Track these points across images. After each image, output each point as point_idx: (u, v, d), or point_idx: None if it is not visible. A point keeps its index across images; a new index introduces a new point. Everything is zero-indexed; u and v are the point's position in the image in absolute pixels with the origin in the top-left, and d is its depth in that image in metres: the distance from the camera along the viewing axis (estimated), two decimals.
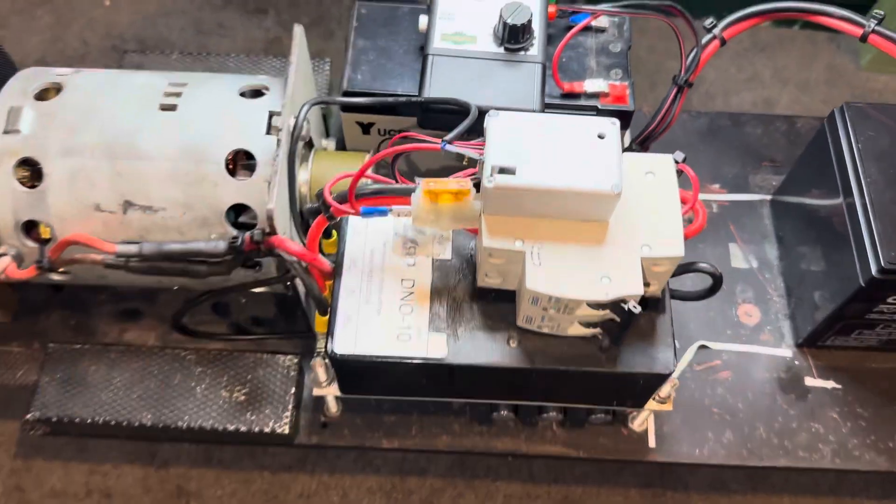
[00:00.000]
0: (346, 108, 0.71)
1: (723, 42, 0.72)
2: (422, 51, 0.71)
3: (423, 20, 0.72)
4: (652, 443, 0.73)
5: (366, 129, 0.74)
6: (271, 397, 0.70)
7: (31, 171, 0.64)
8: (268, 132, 0.64)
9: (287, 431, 0.69)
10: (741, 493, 0.87)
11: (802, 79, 1.19)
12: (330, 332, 0.58)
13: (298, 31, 0.67)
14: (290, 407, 0.70)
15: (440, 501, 0.86)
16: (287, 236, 0.62)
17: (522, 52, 0.70)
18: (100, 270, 0.63)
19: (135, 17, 1.22)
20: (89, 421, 0.69)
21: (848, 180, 0.70)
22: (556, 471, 0.88)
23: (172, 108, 0.64)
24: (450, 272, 0.60)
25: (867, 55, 1.18)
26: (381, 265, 0.60)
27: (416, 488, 0.86)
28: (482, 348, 0.58)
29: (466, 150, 0.54)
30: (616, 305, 0.53)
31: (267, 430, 0.69)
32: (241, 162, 0.65)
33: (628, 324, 0.55)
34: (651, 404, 0.65)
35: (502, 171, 0.51)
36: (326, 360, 0.62)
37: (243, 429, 0.69)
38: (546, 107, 0.69)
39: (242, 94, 0.67)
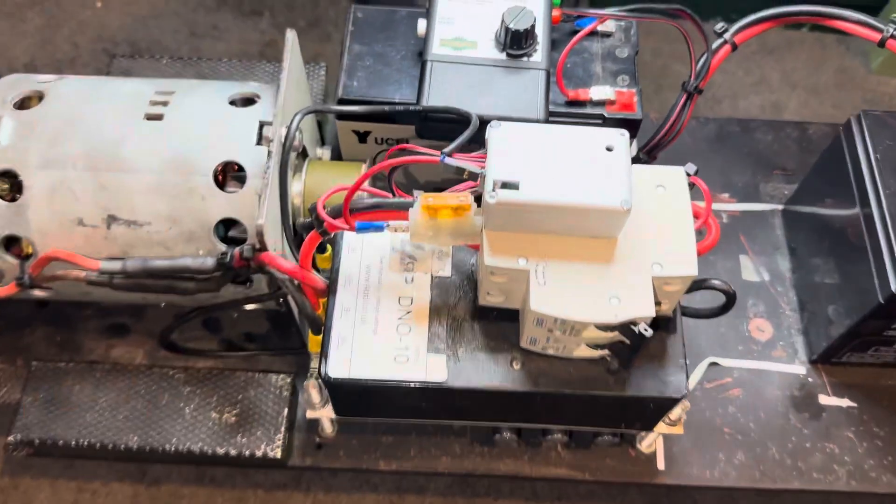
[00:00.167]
0: (342, 116, 0.69)
1: (734, 47, 0.69)
2: (420, 57, 0.68)
3: (421, 25, 0.69)
4: (661, 464, 0.70)
5: (362, 137, 0.71)
6: (263, 419, 0.67)
7: (10, 184, 0.61)
8: (258, 143, 0.61)
9: (279, 455, 0.66)
10: None
11: (812, 83, 1.16)
12: (324, 354, 0.55)
13: (291, 36, 0.64)
14: (282, 429, 0.67)
15: None
16: (279, 252, 0.59)
17: (525, 59, 0.67)
18: (83, 287, 0.60)
19: (126, 19, 1.19)
20: (73, 443, 0.67)
21: (865, 190, 0.67)
22: (560, 489, 0.85)
23: (159, 117, 0.62)
24: (450, 290, 0.58)
25: (878, 58, 1.16)
26: (378, 282, 0.58)
27: None
28: (484, 371, 0.55)
29: (467, 163, 0.52)
30: (625, 327, 0.51)
31: (258, 453, 0.66)
32: (230, 174, 0.62)
33: (638, 346, 0.52)
34: (661, 427, 0.62)
35: (505, 185, 0.49)
36: (320, 382, 0.59)
37: (233, 452, 0.66)
38: (550, 115, 0.66)
39: (233, 103, 0.64)
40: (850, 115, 0.72)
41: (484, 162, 0.51)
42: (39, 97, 0.64)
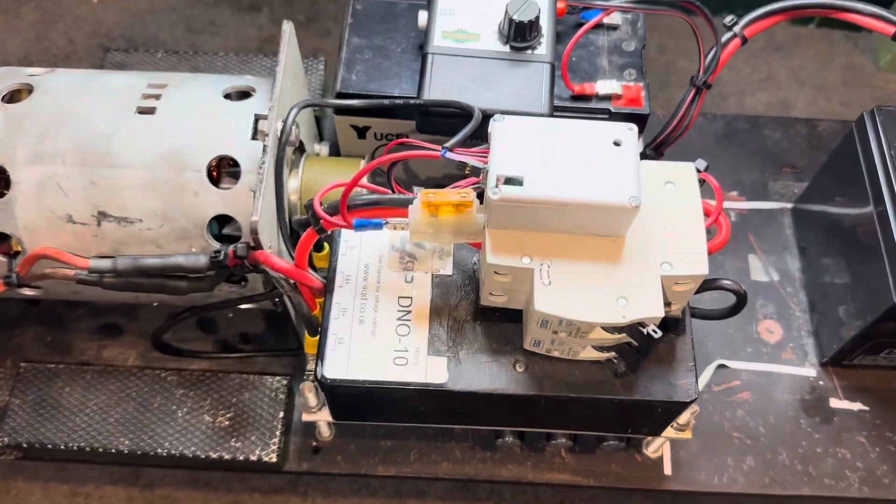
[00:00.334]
0: (340, 110, 0.67)
1: (744, 41, 0.67)
2: (421, 49, 0.66)
3: (422, 16, 0.67)
4: (668, 470, 0.69)
5: (361, 132, 0.69)
6: (258, 422, 0.66)
7: None
8: (254, 137, 0.59)
9: (274, 460, 0.64)
10: None
11: (819, 79, 1.14)
12: (320, 356, 0.53)
13: (287, 28, 0.62)
14: (277, 433, 0.65)
15: None
16: (274, 250, 0.57)
17: (529, 51, 0.65)
18: (73, 286, 0.58)
19: (123, 14, 1.18)
20: (63, 447, 0.65)
21: (879, 188, 0.66)
22: (563, 493, 0.83)
23: (151, 111, 0.60)
24: (451, 289, 0.56)
25: (887, 55, 1.14)
26: (377, 282, 0.56)
27: None
28: (486, 373, 0.53)
29: (469, 158, 0.50)
30: (633, 329, 0.49)
31: (253, 458, 0.64)
32: (225, 169, 0.60)
33: (647, 348, 0.50)
34: (668, 432, 0.60)
35: (508, 181, 0.47)
36: (316, 384, 0.57)
37: (227, 457, 0.64)
38: (555, 109, 0.64)
39: (227, 96, 0.62)
40: (858, 112, 0.70)
41: (486, 157, 0.49)
42: (29, 90, 0.62)
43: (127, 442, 0.65)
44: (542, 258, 0.49)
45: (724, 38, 0.67)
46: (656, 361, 0.54)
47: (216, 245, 0.59)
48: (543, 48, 0.65)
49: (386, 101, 0.64)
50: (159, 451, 0.65)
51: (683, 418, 0.59)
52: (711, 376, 0.73)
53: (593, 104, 0.66)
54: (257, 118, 0.60)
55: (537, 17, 0.63)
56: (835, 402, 0.73)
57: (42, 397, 0.67)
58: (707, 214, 0.53)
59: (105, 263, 0.56)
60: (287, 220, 0.60)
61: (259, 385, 0.68)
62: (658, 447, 0.68)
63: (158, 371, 0.68)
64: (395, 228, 0.52)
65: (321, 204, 0.52)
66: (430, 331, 0.54)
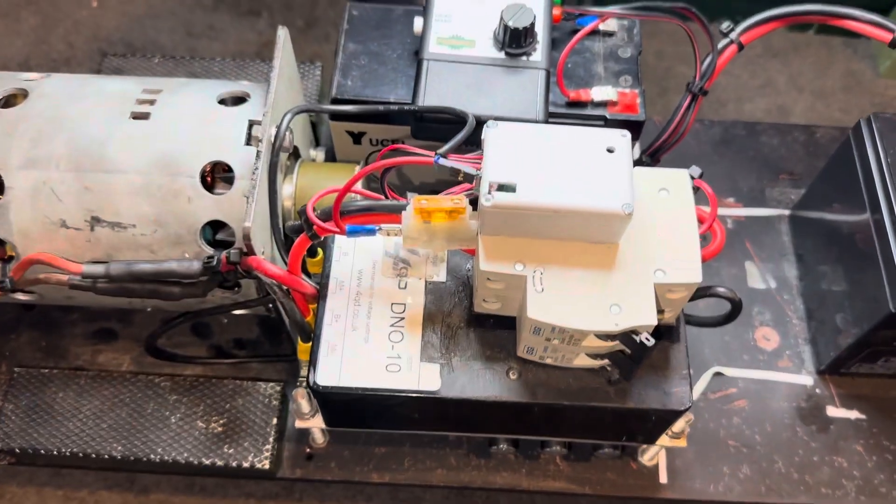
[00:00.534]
0: (335, 116, 0.67)
1: (740, 47, 0.67)
2: (416, 55, 0.66)
3: (418, 22, 0.67)
4: (663, 478, 0.68)
5: (356, 138, 0.69)
6: (251, 428, 0.65)
7: None
8: (248, 143, 0.59)
9: (267, 466, 0.64)
10: None
11: (818, 86, 1.14)
12: (312, 362, 0.53)
13: (282, 33, 0.62)
14: (271, 439, 0.65)
15: None
16: (267, 256, 0.57)
17: (525, 58, 0.65)
18: (66, 291, 0.58)
19: (122, 18, 1.18)
20: (56, 452, 0.65)
21: (876, 195, 0.65)
22: (558, 501, 0.82)
23: (145, 116, 0.60)
24: (444, 296, 0.56)
25: (886, 62, 1.13)
26: (370, 288, 0.56)
27: None
28: (479, 380, 0.53)
29: (462, 164, 0.50)
30: (627, 336, 0.48)
31: (246, 464, 0.64)
32: (219, 175, 0.60)
33: (640, 356, 0.50)
34: (663, 440, 0.60)
35: (501, 187, 0.47)
36: (309, 391, 0.57)
37: (220, 463, 0.64)
38: (550, 116, 0.64)
39: (222, 102, 0.62)
40: (857, 118, 0.70)
41: (480, 163, 0.49)
42: (24, 95, 0.62)
43: (120, 448, 0.65)
44: (535, 265, 0.49)
45: (720, 45, 0.67)
46: (650, 369, 0.54)
47: (209, 251, 0.59)
48: (538, 55, 0.65)
49: (381, 107, 0.63)
50: (152, 456, 0.64)
51: (678, 426, 0.59)
52: (707, 384, 0.73)
53: (589, 111, 0.66)
54: (251, 124, 0.60)
55: (532, 24, 0.63)
56: (832, 411, 0.72)
57: (35, 402, 0.67)
58: (701, 221, 0.52)
59: (98, 269, 0.56)
60: (281, 225, 0.60)
61: (252, 391, 0.67)
62: (653, 455, 0.68)
63: (152, 376, 0.68)
64: (388, 234, 0.52)
65: (314, 210, 0.51)
66: (423, 337, 0.54)
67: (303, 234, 0.53)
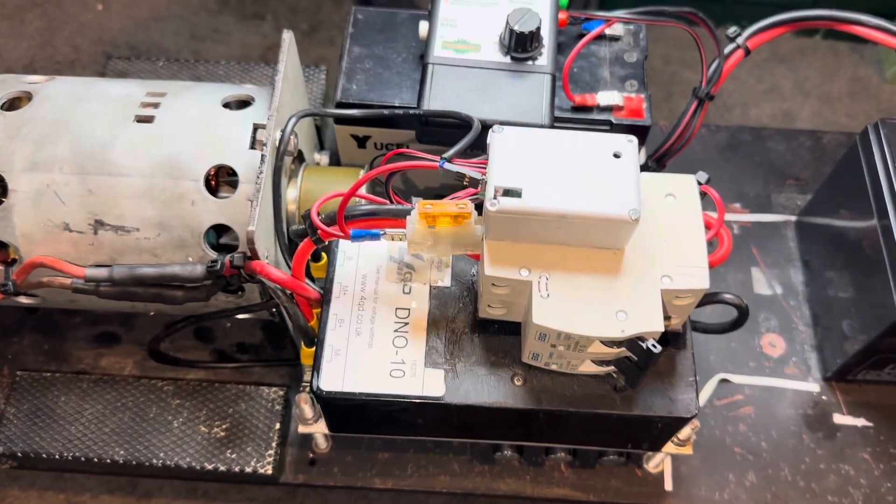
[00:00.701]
0: (340, 120, 0.66)
1: (747, 52, 0.67)
2: (422, 59, 0.66)
3: (423, 27, 0.67)
4: (669, 485, 0.68)
5: (361, 142, 0.69)
6: (254, 433, 0.65)
7: None
8: (252, 146, 0.59)
9: (270, 472, 0.64)
10: None
11: (824, 91, 1.13)
12: (316, 367, 0.53)
13: (287, 36, 0.62)
14: (273, 444, 0.65)
15: None
16: (271, 260, 0.57)
17: (530, 62, 0.64)
18: (69, 294, 0.58)
19: (127, 21, 1.18)
20: (58, 456, 0.64)
21: (883, 201, 0.65)
22: None
23: (149, 119, 0.59)
24: (449, 301, 0.55)
25: (893, 67, 1.13)
26: (374, 292, 0.55)
27: None
28: (484, 386, 0.53)
29: (467, 168, 0.49)
30: (633, 343, 0.48)
31: (248, 469, 0.64)
32: (223, 179, 0.60)
33: (646, 363, 0.49)
34: (669, 447, 0.60)
35: (507, 192, 0.46)
36: (312, 396, 0.57)
37: (223, 468, 0.64)
38: (556, 121, 0.64)
39: (226, 105, 0.62)
40: (863, 124, 0.69)
41: (485, 168, 0.49)
42: (29, 98, 0.62)
43: (122, 452, 0.64)
44: (540, 270, 0.48)
45: (727, 50, 0.66)
46: (656, 376, 0.53)
47: (213, 254, 0.58)
48: (544, 59, 0.64)
49: (385, 111, 0.63)
50: (154, 461, 0.64)
51: (684, 433, 0.58)
52: (713, 391, 0.72)
53: (594, 115, 0.66)
54: (256, 127, 0.59)
55: (538, 28, 0.63)
56: (838, 418, 0.72)
57: (38, 406, 0.66)
58: (708, 227, 0.52)
59: (101, 272, 0.55)
60: (285, 229, 0.60)
61: (255, 396, 0.67)
62: (659, 462, 0.67)
63: (155, 380, 0.68)
64: (392, 239, 0.51)
65: (319, 214, 0.51)
66: (427, 343, 0.54)
67: (307, 239, 0.53)
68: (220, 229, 0.60)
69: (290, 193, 0.63)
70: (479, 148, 0.52)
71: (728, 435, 0.70)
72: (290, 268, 0.55)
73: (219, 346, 0.72)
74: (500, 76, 0.64)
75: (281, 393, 0.67)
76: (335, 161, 0.73)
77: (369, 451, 0.68)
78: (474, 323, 0.55)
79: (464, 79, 0.64)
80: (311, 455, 0.68)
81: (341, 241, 0.57)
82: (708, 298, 0.54)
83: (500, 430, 0.58)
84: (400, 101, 0.65)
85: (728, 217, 0.81)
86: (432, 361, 0.53)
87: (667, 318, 0.51)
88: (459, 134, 0.56)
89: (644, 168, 0.69)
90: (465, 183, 0.50)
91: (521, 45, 0.64)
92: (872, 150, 0.67)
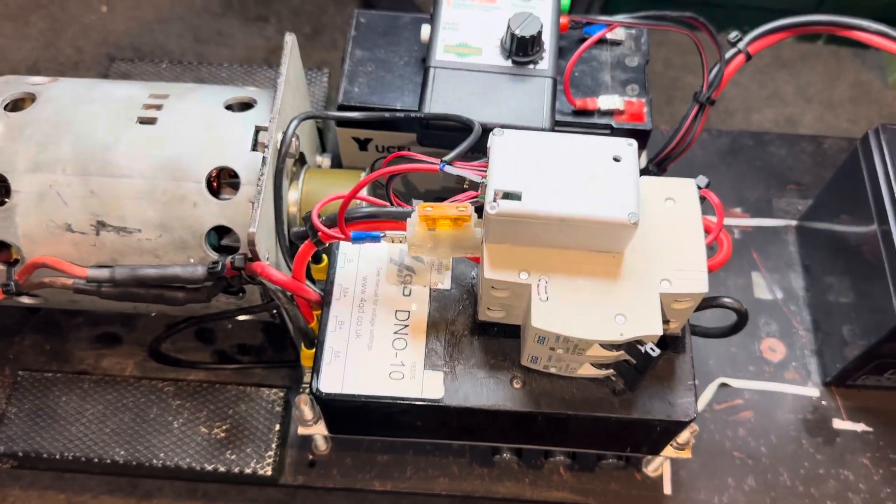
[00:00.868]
0: (341, 122, 0.67)
1: (748, 57, 0.67)
2: (423, 63, 0.66)
3: (425, 30, 0.67)
4: (668, 489, 0.68)
5: (363, 145, 0.69)
6: (253, 434, 0.65)
7: None
8: (254, 148, 0.59)
9: (269, 473, 0.64)
10: None
11: (827, 96, 1.13)
12: (315, 368, 0.53)
13: (290, 39, 0.62)
14: (273, 445, 0.65)
15: None
16: (272, 262, 0.57)
17: (531, 66, 0.65)
18: (71, 295, 0.58)
19: (131, 23, 1.18)
20: (58, 456, 0.65)
21: (883, 206, 0.65)
22: None
23: (152, 121, 0.60)
24: (449, 303, 0.55)
25: (894, 73, 1.13)
26: (374, 295, 0.56)
27: None
28: (483, 389, 0.53)
29: (467, 171, 0.49)
30: (631, 346, 0.48)
31: (248, 470, 0.64)
32: (224, 180, 0.60)
33: (645, 366, 0.49)
34: (668, 451, 0.60)
35: (507, 196, 0.47)
36: (312, 397, 0.57)
37: (222, 469, 0.64)
38: (556, 124, 0.64)
39: (229, 107, 0.62)
40: (865, 130, 0.69)
41: (485, 171, 0.49)
42: (32, 99, 0.63)
43: (122, 452, 0.65)
44: (539, 274, 0.49)
45: (728, 55, 0.67)
46: (655, 380, 0.53)
47: (214, 256, 0.59)
48: (545, 63, 0.65)
49: (387, 114, 0.63)
50: (154, 462, 0.64)
51: (683, 437, 0.58)
52: (713, 395, 0.72)
53: (595, 119, 0.66)
54: (258, 129, 0.60)
55: (539, 32, 0.63)
56: (838, 423, 0.72)
57: (39, 406, 0.67)
58: (707, 231, 0.52)
59: (103, 273, 0.56)
60: (286, 231, 0.60)
61: (255, 397, 0.67)
62: (658, 466, 0.67)
63: (155, 381, 0.68)
64: (392, 241, 0.51)
65: (319, 216, 0.51)
66: (427, 345, 0.54)
67: (307, 241, 0.53)
68: (221, 231, 0.60)
69: (292, 195, 0.63)
70: (479, 151, 0.52)
71: (727, 439, 0.70)
72: (290, 270, 0.55)
73: (220, 347, 0.72)
74: (502, 80, 0.64)
75: (281, 394, 0.67)
76: (337, 164, 0.73)
77: (369, 453, 0.68)
78: (474, 326, 0.55)
79: (465, 82, 0.64)
80: (310, 457, 0.68)
81: (342, 243, 0.57)
82: (707, 302, 0.54)
83: (499, 432, 0.58)
84: (401, 104, 0.66)
85: (729, 222, 0.81)
86: (432, 364, 0.53)
87: (666, 321, 0.51)
88: (460, 137, 0.56)
89: (645, 172, 0.69)
90: (465, 186, 0.50)
91: (522, 49, 0.64)
92: (873, 156, 0.67)
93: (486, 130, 0.52)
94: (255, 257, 0.54)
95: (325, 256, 0.60)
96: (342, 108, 0.66)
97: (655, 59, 1.11)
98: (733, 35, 0.67)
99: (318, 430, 0.60)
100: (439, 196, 0.52)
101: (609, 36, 0.69)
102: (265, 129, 0.58)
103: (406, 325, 0.54)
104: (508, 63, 0.65)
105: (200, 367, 0.70)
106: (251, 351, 0.72)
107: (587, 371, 0.52)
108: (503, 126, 0.50)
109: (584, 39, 0.68)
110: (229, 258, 0.54)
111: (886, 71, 1.15)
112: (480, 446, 0.67)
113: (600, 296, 0.48)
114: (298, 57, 0.65)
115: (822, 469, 0.70)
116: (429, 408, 0.52)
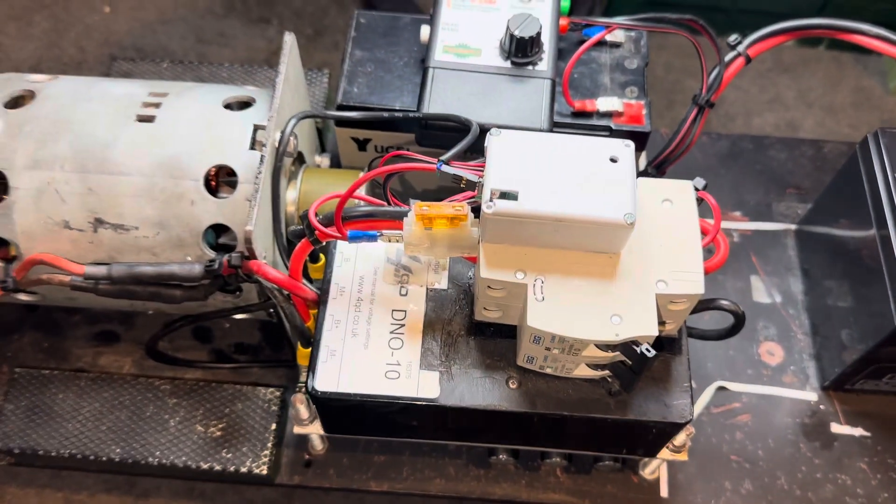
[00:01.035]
0: (340, 122, 0.67)
1: (748, 60, 0.67)
2: (423, 63, 0.66)
3: (424, 31, 0.67)
4: (664, 492, 0.68)
5: (362, 145, 0.69)
6: (249, 434, 0.65)
7: None
8: (252, 147, 0.59)
9: (265, 472, 0.64)
10: None
11: (828, 101, 1.13)
12: (311, 367, 0.53)
13: (289, 39, 0.62)
14: (269, 445, 0.65)
15: None
16: (269, 260, 0.57)
17: (530, 67, 0.65)
18: (68, 292, 0.58)
19: (134, 24, 1.19)
20: (54, 453, 0.65)
21: (882, 211, 0.65)
22: None
23: (150, 119, 0.60)
24: (445, 303, 0.55)
25: None
26: (371, 294, 0.56)
27: None
28: (478, 389, 0.53)
29: (465, 171, 0.49)
30: (627, 347, 0.48)
31: (243, 469, 0.64)
32: (222, 179, 0.60)
33: (641, 367, 0.49)
34: (664, 453, 0.59)
35: (503, 195, 0.47)
36: (307, 396, 0.57)
37: (218, 467, 0.64)
38: (555, 126, 0.64)
39: (228, 106, 0.62)
40: (866, 135, 0.69)
41: (482, 171, 0.49)
42: (31, 97, 0.63)
43: (118, 450, 0.65)
44: (536, 274, 0.49)
45: (727, 58, 0.67)
46: (651, 381, 0.53)
47: (211, 254, 0.59)
48: (544, 64, 0.65)
49: (385, 114, 0.63)
50: (150, 459, 0.64)
51: (679, 440, 0.58)
52: (711, 398, 0.72)
53: (594, 121, 0.66)
54: (256, 128, 0.60)
55: (538, 34, 0.63)
56: (836, 427, 0.71)
57: (36, 403, 0.67)
58: (705, 233, 0.52)
59: (100, 270, 0.56)
60: (283, 230, 0.60)
61: (252, 396, 0.67)
62: (655, 469, 0.67)
63: (152, 379, 0.68)
64: (389, 241, 0.51)
65: (317, 215, 0.51)
66: (423, 345, 0.54)
67: (304, 239, 0.53)
68: (219, 229, 0.60)
69: (290, 195, 0.63)
70: (477, 151, 0.52)
71: (725, 443, 0.70)
72: (287, 268, 0.55)
73: (217, 346, 0.72)
74: (501, 81, 0.64)
75: (277, 394, 0.67)
76: (336, 163, 0.74)
77: (365, 453, 0.68)
78: (470, 326, 0.55)
79: (464, 83, 0.64)
80: (306, 456, 0.68)
81: (339, 242, 0.57)
82: (704, 304, 0.54)
83: (495, 433, 0.58)
84: (401, 105, 0.66)
85: (728, 225, 0.81)
86: (428, 363, 0.53)
87: (662, 323, 0.51)
88: (459, 137, 0.56)
89: (644, 174, 0.69)
90: (462, 186, 0.50)
91: (521, 50, 0.64)
92: (872, 160, 0.67)
93: (485, 131, 0.52)
94: (252, 255, 0.54)
95: (322, 255, 0.60)
96: (341, 107, 0.66)
97: (657, 62, 1.12)
98: (733, 38, 0.67)
99: (314, 430, 0.60)
100: (436, 196, 0.52)
101: (609, 38, 0.69)
102: (263, 127, 0.58)
103: (402, 325, 0.54)
104: (507, 64, 0.65)
105: (197, 366, 0.70)
106: (248, 350, 0.72)
107: (583, 372, 0.52)
108: (502, 127, 0.50)
109: (583, 41, 0.68)
110: (226, 256, 0.54)
111: (888, 76, 1.15)
112: (477, 447, 0.67)
113: (596, 296, 0.48)
114: (298, 57, 0.65)
115: (820, 473, 0.69)
116: (424, 407, 0.52)
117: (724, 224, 0.81)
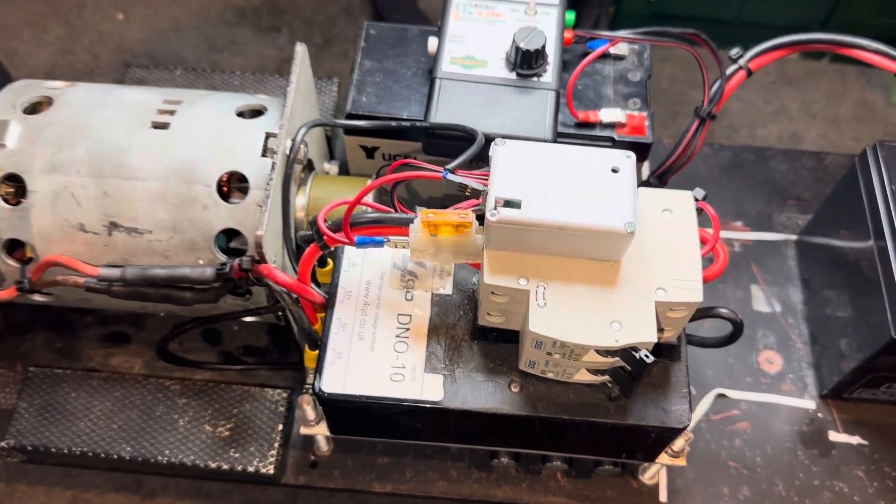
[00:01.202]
0: (349, 130, 0.68)
1: (749, 73, 0.68)
2: (430, 74, 0.67)
3: (432, 42, 0.68)
4: (663, 497, 0.68)
5: (370, 153, 0.71)
6: (257, 434, 0.66)
7: (15, 188, 0.61)
8: (263, 154, 0.60)
9: (272, 472, 0.65)
10: None
11: (831, 114, 1.15)
12: (318, 369, 0.54)
13: (300, 49, 0.64)
14: (276, 445, 0.66)
15: None
16: (278, 264, 0.59)
17: (535, 79, 0.66)
18: (82, 293, 0.60)
19: (147, 31, 1.21)
20: (66, 451, 0.66)
21: (880, 223, 0.66)
22: None
23: (165, 126, 0.61)
24: (450, 308, 0.57)
25: None
26: (377, 298, 0.57)
27: None
28: (481, 392, 0.54)
29: (470, 180, 0.51)
30: (627, 353, 0.49)
31: (251, 469, 0.65)
32: (234, 185, 0.62)
33: (640, 373, 0.50)
34: (663, 458, 0.60)
35: (507, 203, 0.48)
36: (314, 397, 0.58)
37: (225, 467, 0.65)
38: (559, 136, 0.65)
39: (240, 114, 0.64)
40: None
41: (487, 179, 0.50)
42: (49, 103, 0.64)
43: (128, 448, 0.66)
44: (538, 280, 0.50)
45: (729, 71, 0.68)
46: (650, 387, 0.54)
47: (223, 258, 0.60)
48: (549, 76, 0.66)
49: (393, 123, 0.65)
50: (160, 458, 0.66)
51: (678, 445, 0.59)
52: (710, 405, 0.73)
53: (597, 132, 0.67)
54: (268, 136, 0.61)
55: (543, 46, 0.65)
56: (834, 436, 0.72)
57: (48, 401, 0.68)
58: (704, 243, 0.53)
59: (114, 272, 0.57)
60: (293, 235, 0.61)
61: (260, 397, 0.68)
62: (654, 474, 0.68)
63: (162, 380, 0.70)
64: (395, 246, 0.53)
65: (325, 220, 0.53)
66: (427, 348, 0.55)
67: (313, 244, 0.54)
68: (230, 234, 0.61)
69: (299, 200, 0.65)
70: (482, 160, 0.54)
71: (724, 449, 0.71)
72: (296, 272, 0.57)
73: (226, 348, 0.73)
74: (506, 91, 0.65)
75: (284, 395, 0.69)
76: (344, 171, 0.75)
77: (370, 455, 0.70)
78: (474, 330, 0.56)
79: (470, 93, 0.65)
80: (312, 457, 0.69)
81: (347, 247, 0.58)
82: (703, 312, 0.55)
83: (497, 436, 0.59)
84: (408, 114, 0.67)
85: (729, 235, 0.82)
86: (432, 367, 0.54)
87: (661, 330, 0.52)
88: (465, 146, 0.58)
89: (646, 184, 0.70)
90: (467, 194, 0.52)
91: (526, 62, 0.65)
92: (871, 172, 0.68)
93: (490, 140, 0.54)
94: (263, 260, 0.56)
95: (330, 260, 0.62)
96: (350, 116, 0.67)
97: (661, 73, 1.13)
98: (735, 51, 0.68)
99: (320, 431, 0.61)
100: (442, 204, 0.53)
101: (612, 51, 0.70)
102: (275, 135, 0.60)
103: (407, 329, 0.56)
104: (513, 75, 0.66)
105: (207, 367, 0.72)
106: (256, 352, 0.74)
107: (583, 377, 0.53)
108: (506, 137, 0.52)
109: (587, 54, 0.69)
110: (237, 260, 0.56)
111: (890, 90, 1.16)
112: (479, 450, 0.68)
113: (597, 303, 0.49)
114: (309, 66, 0.67)
115: (817, 481, 0.70)
116: (428, 409, 0.53)
117: (725, 234, 0.82)
